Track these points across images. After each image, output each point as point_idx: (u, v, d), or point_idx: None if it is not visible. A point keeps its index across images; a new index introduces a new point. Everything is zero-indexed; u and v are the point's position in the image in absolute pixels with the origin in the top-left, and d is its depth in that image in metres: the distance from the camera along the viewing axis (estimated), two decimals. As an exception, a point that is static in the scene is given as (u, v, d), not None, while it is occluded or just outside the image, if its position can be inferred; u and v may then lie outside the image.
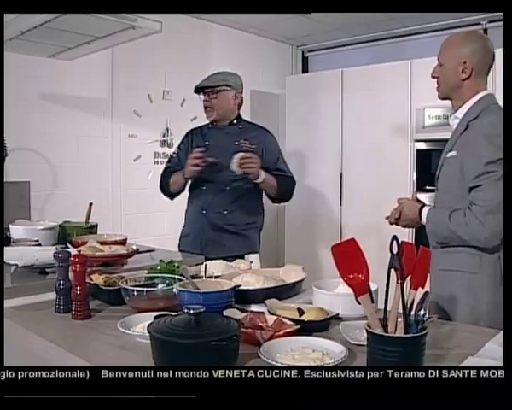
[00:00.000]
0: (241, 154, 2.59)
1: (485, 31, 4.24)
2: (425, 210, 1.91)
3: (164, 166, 3.00)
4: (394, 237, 1.15)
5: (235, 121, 2.83)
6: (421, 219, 1.92)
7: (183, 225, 2.91)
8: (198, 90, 2.80)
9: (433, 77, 1.98)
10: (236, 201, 2.74)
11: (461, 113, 1.91)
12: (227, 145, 2.73)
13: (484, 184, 1.73)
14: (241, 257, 2.48)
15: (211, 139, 2.82)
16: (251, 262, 2.17)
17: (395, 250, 1.15)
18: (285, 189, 2.79)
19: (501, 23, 3.47)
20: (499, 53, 3.43)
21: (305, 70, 5.50)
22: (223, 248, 2.64)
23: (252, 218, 2.80)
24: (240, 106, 2.86)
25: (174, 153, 2.97)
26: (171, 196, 2.88)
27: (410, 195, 2.06)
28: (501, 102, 1.74)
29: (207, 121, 2.88)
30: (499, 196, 1.67)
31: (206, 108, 2.79)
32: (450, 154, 1.89)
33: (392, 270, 1.16)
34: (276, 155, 2.83)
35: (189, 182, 2.83)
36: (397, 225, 2.00)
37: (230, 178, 2.68)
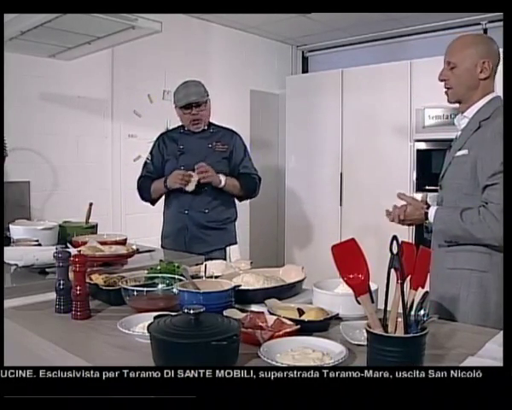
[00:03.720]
0: (199, 165, 2.78)
1: (485, 31, 4.24)
2: (432, 210, 1.88)
3: (140, 173, 3.11)
4: (394, 237, 1.15)
5: (206, 127, 2.97)
6: (426, 218, 1.89)
7: (162, 226, 3.05)
8: (187, 105, 2.88)
9: (442, 80, 1.93)
10: (215, 199, 2.91)
11: (470, 112, 1.89)
12: (201, 149, 2.92)
13: (500, 182, 1.70)
14: (223, 250, 2.82)
15: (185, 144, 2.97)
16: (251, 262, 2.17)
17: (395, 250, 1.15)
18: (248, 188, 2.99)
19: (501, 23, 3.47)
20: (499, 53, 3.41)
21: (305, 70, 5.49)
22: (205, 243, 2.85)
23: (229, 212, 2.99)
24: None
25: (148, 159, 3.08)
26: (152, 201, 3.05)
27: (420, 196, 2.01)
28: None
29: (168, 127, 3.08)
30: None
31: (194, 120, 2.91)
32: (460, 152, 1.86)
33: (392, 270, 1.16)
34: (242, 153, 3.02)
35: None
36: (399, 223, 1.97)
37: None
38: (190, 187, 2.81)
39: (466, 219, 1.77)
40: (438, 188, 2.01)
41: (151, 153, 3.07)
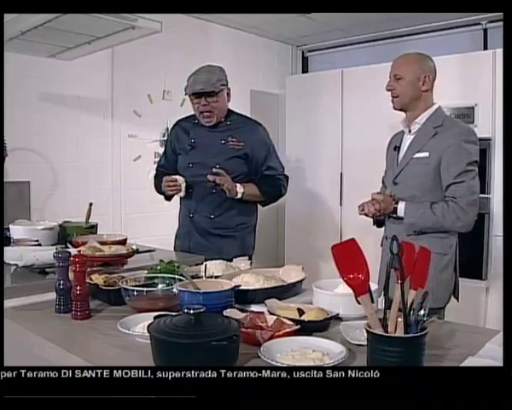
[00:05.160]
0: (214, 171, 2.51)
1: (485, 31, 4.24)
2: (402, 205, 2.17)
3: (149, 168, 3.00)
4: (394, 237, 1.15)
5: (222, 119, 2.66)
6: (395, 212, 2.18)
7: (177, 226, 2.86)
8: (196, 94, 2.58)
9: (389, 90, 2.24)
10: (224, 203, 2.62)
11: (421, 119, 2.21)
12: (213, 145, 2.63)
13: (466, 180, 2.09)
14: (230, 260, 2.33)
15: (196, 138, 2.69)
16: (251, 262, 2.16)
17: (395, 250, 1.15)
18: (271, 192, 2.68)
19: (501, 23, 3.47)
20: (499, 53, 3.44)
21: (305, 70, 5.49)
22: (210, 251, 2.47)
23: (243, 218, 2.68)
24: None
25: (162, 151, 2.88)
26: (167, 198, 2.82)
27: (388, 191, 2.28)
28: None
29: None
30: (476, 191, 2.12)
31: (204, 112, 2.60)
32: (420, 154, 2.18)
33: (392, 270, 1.16)
34: (265, 150, 2.67)
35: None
36: (372, 217, 2.28)
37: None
38: (181, 193, 2.62)
39: (437, 213, 2.10)
40: (388, 184, 2.32)
41: (165, 144, 2.86)
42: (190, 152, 2.69)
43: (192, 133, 2.71)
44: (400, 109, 2.27)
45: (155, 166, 2.99)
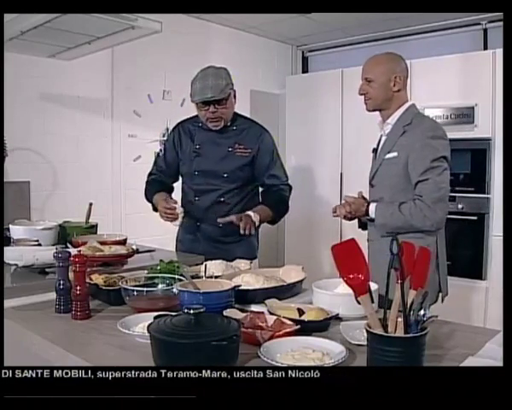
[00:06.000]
0: (235, 219, 2.38)
1: (485, 31, 4.24)
2: (372, 206, 2.16)
3: (150, 168, 2.77)
4: (394, 237, 1.15)
5: (229, 123, 2.55)
6: (367, 214, 2.16)
7: (179, 230, 2.75)
8: (206, 102, 2.44)
9: (361, 94, 2.22)
10: (232, 211, 2.51)
11: (393, 119, 2.20)
12: (219, 152, 2.54)
13: (431, 177, 2.03)
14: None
15: (202, 144, 2.58)
16: (251, 262, 2.16)
17: (395, 250, 1.15)
18: (279, 208, 2.59)
19: (501, 23, 3.47)
20: (499, 53, 3.44)
21: (305, 70, 5.50)
22: (220, 258, 2.21)
23: None
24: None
25: (160, 151, 2.67)
26: (155, 209, 2.64)
27: (357, 194, 2.26)
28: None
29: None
30: (444, 186, 2.06)
31: (212, 118, 2.48)
32: (390, 155, 2.16)
33: (392, 270, 1.16)
34: (269, 158, 2.59)
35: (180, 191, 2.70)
36: (345, 219, 2.24)
37: (224, 188, 2.54)
38: (177, 222, 2.50)
39: (405, 212, 2.06)
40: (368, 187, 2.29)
41: (164, 145, 2.69)
42: (196, 159, 2.58)
43: (197, 138, 2.60)
44: (373, 110, 2.26)
45: (150, 170, 2.79)
